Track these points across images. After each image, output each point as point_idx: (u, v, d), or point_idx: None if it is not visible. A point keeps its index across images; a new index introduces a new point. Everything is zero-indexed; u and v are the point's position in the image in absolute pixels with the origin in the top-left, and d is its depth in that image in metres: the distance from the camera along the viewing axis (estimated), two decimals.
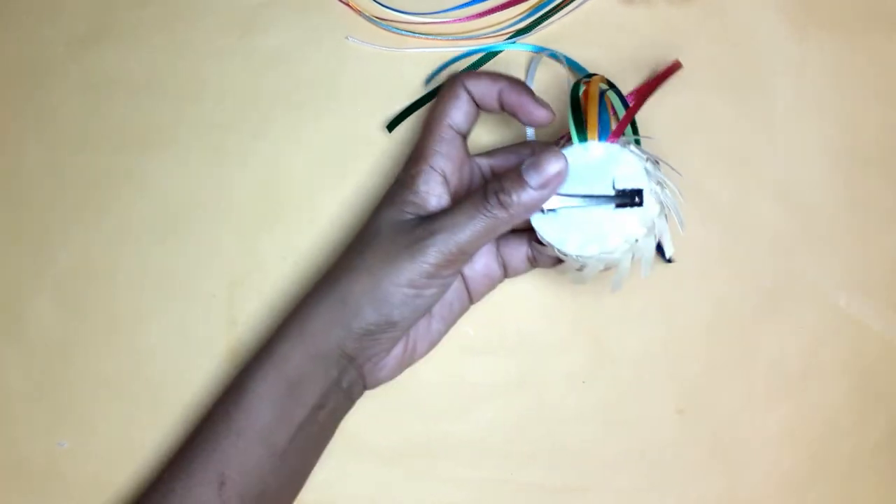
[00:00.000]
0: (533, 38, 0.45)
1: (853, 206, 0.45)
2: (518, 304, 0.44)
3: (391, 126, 0.45)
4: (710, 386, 0.44)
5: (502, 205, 0.36)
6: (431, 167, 0.39)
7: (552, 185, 0.37)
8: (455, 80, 0.39)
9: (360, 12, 0.46)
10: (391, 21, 0.46)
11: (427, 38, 0.46)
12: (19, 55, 0.46)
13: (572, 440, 0.44)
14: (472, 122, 0.40)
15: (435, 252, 0.37)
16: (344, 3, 0.46)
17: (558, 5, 0.45)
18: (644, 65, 0.45)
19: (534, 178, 0.36)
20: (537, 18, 0.45)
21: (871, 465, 0.44)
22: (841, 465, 0.44)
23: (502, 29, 0.46)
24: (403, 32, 0.46)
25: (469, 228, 0.37)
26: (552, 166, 0.36)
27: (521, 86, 0.39)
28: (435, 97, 0.44)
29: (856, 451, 0.44)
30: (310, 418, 0.38)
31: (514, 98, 0.39)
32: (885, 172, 0.45)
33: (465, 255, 0.37)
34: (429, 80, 0.45)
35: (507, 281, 0.42)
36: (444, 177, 0.39)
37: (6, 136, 0.45)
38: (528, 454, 0.44)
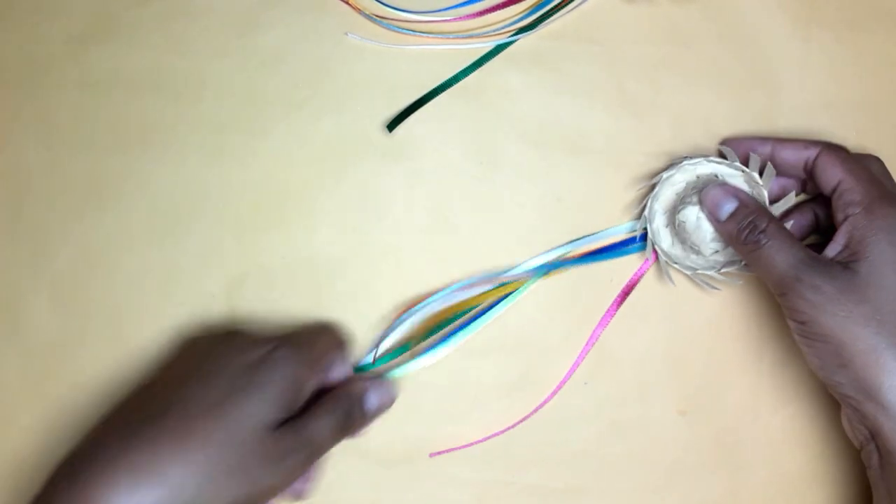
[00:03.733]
0: (534, 35, 0.45)
1: None
2: (519, 305, 0.44)
3: (391, 126, 0.45)
4: (713, 387, 0.44)
5: (347, 427, 0.39)
6: None
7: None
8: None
9: (359, 11, 0.45)
10: (391, 20, 0.45)
11: (427, 37, 0.45)
12: (18, 54, 0.46)
13: (574, 441, 0.44)
14: None
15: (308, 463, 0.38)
16: (343, 1, 0.45)
17: (560, 3, 0.45)
18: (644, 64, 0.45)
19: (374, 409, 0.41)
20: (539, 16, 0.45)
21: None
22: (843, 468, 0.44)
23: (503, 27, 0.45)
24: (404, 31, 0.45)
25: (328, 440, 0.38)
26: (389, 398, 0.42)
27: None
28: (440, 93, 0.44)
29: (858, 453, 0.44)
30: None
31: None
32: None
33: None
34: None
35: None
36: None
37: (5, 136, 0.45)
38: (530, 455, 0.44)
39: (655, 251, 0.43)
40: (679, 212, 0.41)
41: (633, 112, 0.45)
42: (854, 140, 0.45)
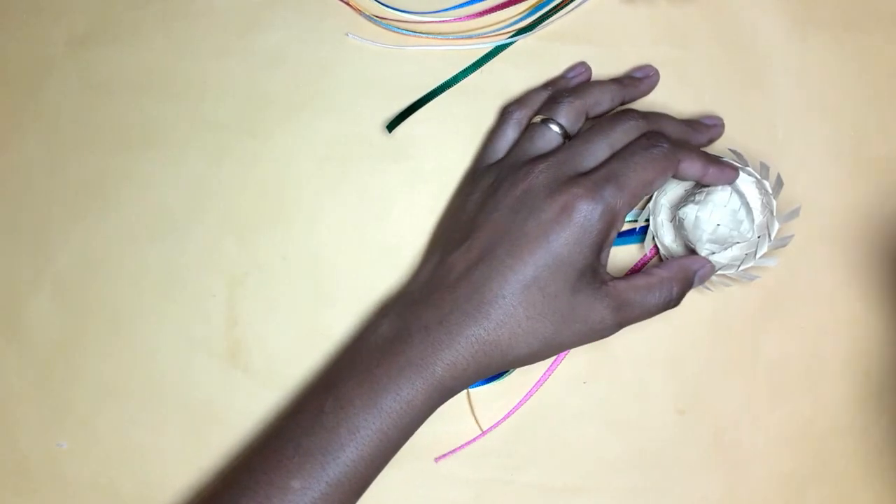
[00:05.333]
0: (533, 36, 0.45)
1: (855, 206, 0.45)
2: None
3: (391, 126, 0.45)
4: (711, 386, 0.44)
5: (672, 305, 0.41)
6: None
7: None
8: (672, 157, 0.39)
9: (360, 11, 0.45)
10: (391, 20, 0.45)
11: (427, 38, 0.45)
12: (19, 55, 0.46)
13: (573, 440, 0.44)
14: None
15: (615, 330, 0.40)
16: (344, 2, 0.45)
17: (559, 4, 0.45)
18: (645, 63, 0.45)
19: (697, 285, 0.42)
20: (538, 17, 0.45)
21: (873, 465, 0.44)
22: (842, 466, 0.44)
23: (503, 28, 0.46)
24: (404, 31, 0.45)
25: (639, 318, 0.40)
26: (710, 273, 0.42)
27: (721, 165, 0.41)
28: (440, 93, 0.45)
29: (857, 452, 0.44)
30: None
31: (714, 178, 0.41)
32: (887, 172, 0.45)
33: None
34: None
35: None
36: None
37: (6, 136, 0.45)
38: (529, 455, 0.44)
39: (655, 245, 0.44)
40: (680, 209, 0.42)
41: None
42: (853, 141, 0.45)
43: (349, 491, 0.37)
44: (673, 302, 0.40)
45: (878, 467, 0.44)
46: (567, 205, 0.37)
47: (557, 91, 0.43)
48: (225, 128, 0.45)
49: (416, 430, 0.38)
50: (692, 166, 0.40)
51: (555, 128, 0.41)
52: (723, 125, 0.44)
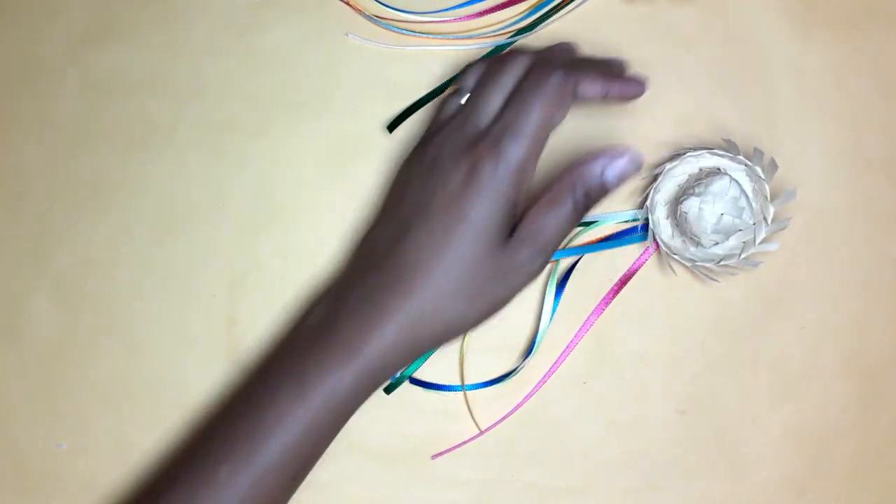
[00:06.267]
0: (533, 36, 0.45)
1: (855, 206, 0.45)
2: (519, 303, 0.44)
3: (391, 126, 0.45)
4: (712, 386, 0.44)
5: (583, 209, 0.39)
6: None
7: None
8: (565, 84, 0.38)
9: (360, 11, 0.45)
10: (391, 20, 0.45)
11: (427, 37, 0.45)
12: (19, 55, 0.46)
13: (574, 441, 0.44)
14: None
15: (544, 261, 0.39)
16: (344, 2, 0.45)
17: (559, 4, 0.45)
18: (643, 65, 0.45)
19: (613, 184, 0.38)
20: (538, 17, 0.45)
21: (873, 465, 0.44)
22: (842, 466, 0.44)
23: (503, 28, 0.46)
24: (404, 31, 0.45)
25: (565, 233, 0.39)
26: (628, 167, 0.38)
27: (625, 79, 0.40)
28: (440, 93, 0.44)
29: (857, 452, 0.44)
30: None
31: (619, 92, 0.40)
32: (887, 172, 0.45)
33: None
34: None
35: None
36: None
37: (5, 136, 0.45)
38: (530, 455, 0.44)
39: (656, 241, 0.44)
40: (681, 202, 0.42)
41: (632, 112, 0.45)
42: (853, 140, 0.45)
43: (281, 477, 0.37)
44: (580, 204, 0.38)
45: (879, 468, 0.44)
46: (470, 169, 0.37)
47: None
48: (225, 128, 0.45)
49: (349, 415, 0.38)
50: (591, 87, 0.39)
51: (460, 95, 0.41)
52: (644, 85, 0.41)
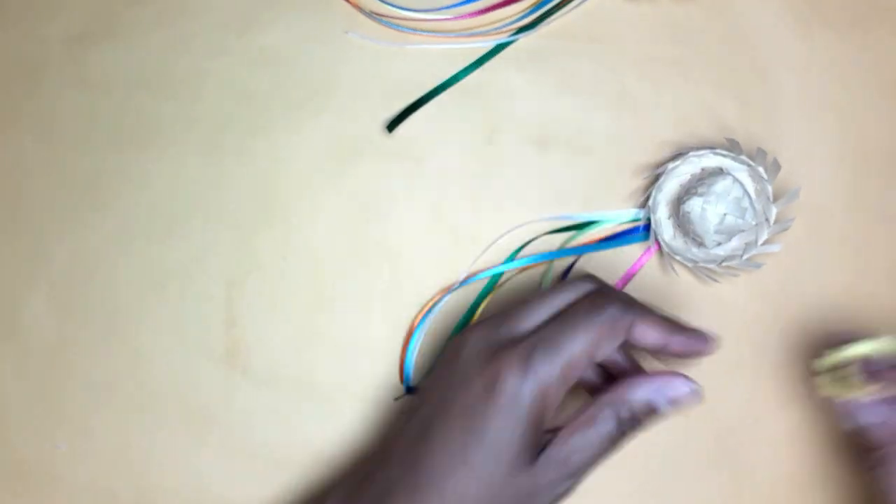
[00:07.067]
0: (535, 34, 0.45)
1: (857, 205, 0.45)
2: None
3: (391, 125, 0.45)
4: (714, 388, 0.44)
5: (627, 432, 0.35)
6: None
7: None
8: (622, 319, 0.35)
9: (360, 9, 0.45)
10: (391, 18, 0.45)
11: (428, 35, 0.45)
12: (17, 53, 0.45)
13: None
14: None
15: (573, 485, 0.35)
16: None
17: (561, 2, 0.45)
18: (646, 63, 0.45)
19: (666, 410, 0.35)
20: (540, 15, 0.45)
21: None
22: (845, 468, 0.44)
23: (504, 25, 0.45)
24: (404, 29, 0.45)
25: (592, 459, 0.35)
26: (685, 397, 0.35)
27: (690, 333, 0.36)
28: (441, 92, 0.44)
29: (857, 453, 0.44)
30: None
31: (681, 347, 0.36)
32: (891, 171, 0.45)
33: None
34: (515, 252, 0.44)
35: None
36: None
37: (3, 135, 0.45)
38: None
39: (658, 241, 0.43)
40: (684, 202, 0.41)
41: (634, 111, 0.45)
42: (857, 139, 0.45)
43: None
44: (625, 425, 0.35)
45: None
46: (493, 378, 0.34)
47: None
48: (224, 127, 0.45)
49: None
50: (650, 331, 0.35)
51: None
52: (712, 344, 0.36)
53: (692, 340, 0.36)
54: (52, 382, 0.44)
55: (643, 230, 0.44)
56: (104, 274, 0.44)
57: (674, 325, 0.36)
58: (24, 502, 0.43)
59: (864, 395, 0.37)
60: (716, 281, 0.43)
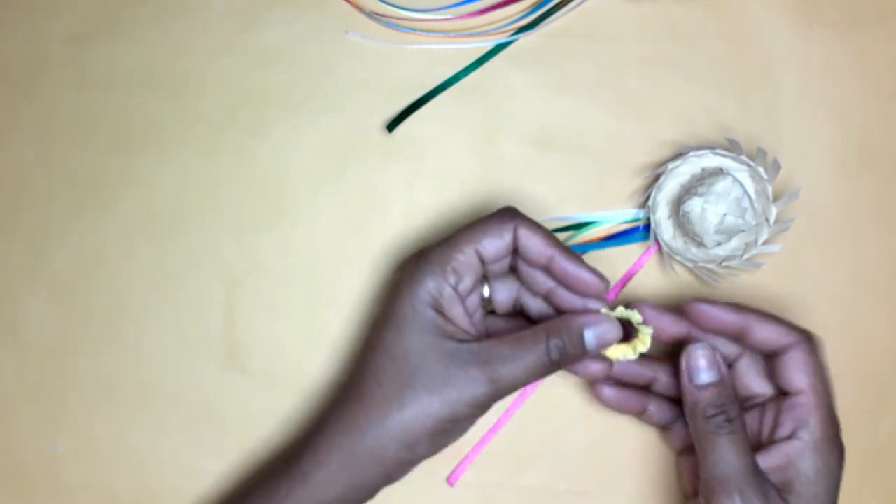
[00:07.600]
0: (535, 34, 0.45)
1: (858, 204, 0.45)
2: None
3: (392, 125, 0.45)
4: None
5: (558, 361, 0.37)
6: (455, 284, 0.38)
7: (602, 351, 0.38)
8: (508, 216, 0.38)
9: (360, 9, 0.45)
10: (392, 18, 0.45)
11: (428, 35, 0.45)
12: (16, 53, 0.45)
13: (576, 443, 0.44)
14: (500, 263, 0.39)
15: (492, 392, 0.37)
16: None
17: (561, 1, 0.45)
18: (646, 63, 0.45)
19: (593, 346, 0.38)
20: (540, 15, 0.45)
21: (877, 466, 0.44)
22: (846, 467, 0.44)
23: (504, 25, 0.45)
24: (404, 29, 0.45)
25: (526, 374, 0.37)
26: (611, 335, 0.38)
27: (574, 257, 0.38)
28: (441, 92, 0.44)
29: (860, 453, 0.43)
30: None
31: (563, 267, 0.38)
32: (891, 170, 0.45)
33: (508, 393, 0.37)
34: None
35: None
36: (461, 295, 0.38)
37: (3, 135, 0.45)
38: (531, 457, 0.44)
39: (658, 241, 0.43)
40: (684, 202, 0.41)
41: (634, 111, 0.45)
42: (857, 139, 0.45)
43: None
44: (554, 353, 0.37)
45: (882, 468, 0.44)
46: (398, 273, 0.39)
47: None
48: (223, 126, 0.45)
49: None
50: (533, 239, 0.38)
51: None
52: (598, 284, 0.38)
53: (575, 267, 0.38)
54: (50, 383, 0.44)
55: (643, 230, 0.44)
56: (104, 274, 0.44)
57: (559, 244, 0.38)
58: (24, 502, 0.43)
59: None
60: (716, 281, 0.43)
